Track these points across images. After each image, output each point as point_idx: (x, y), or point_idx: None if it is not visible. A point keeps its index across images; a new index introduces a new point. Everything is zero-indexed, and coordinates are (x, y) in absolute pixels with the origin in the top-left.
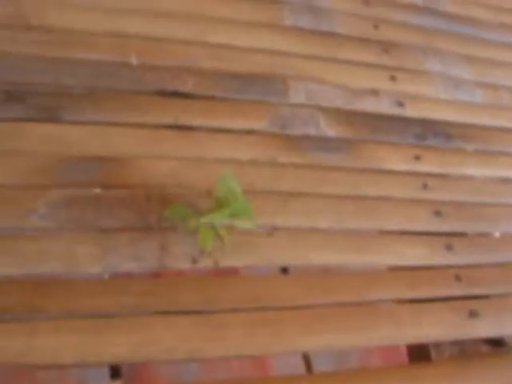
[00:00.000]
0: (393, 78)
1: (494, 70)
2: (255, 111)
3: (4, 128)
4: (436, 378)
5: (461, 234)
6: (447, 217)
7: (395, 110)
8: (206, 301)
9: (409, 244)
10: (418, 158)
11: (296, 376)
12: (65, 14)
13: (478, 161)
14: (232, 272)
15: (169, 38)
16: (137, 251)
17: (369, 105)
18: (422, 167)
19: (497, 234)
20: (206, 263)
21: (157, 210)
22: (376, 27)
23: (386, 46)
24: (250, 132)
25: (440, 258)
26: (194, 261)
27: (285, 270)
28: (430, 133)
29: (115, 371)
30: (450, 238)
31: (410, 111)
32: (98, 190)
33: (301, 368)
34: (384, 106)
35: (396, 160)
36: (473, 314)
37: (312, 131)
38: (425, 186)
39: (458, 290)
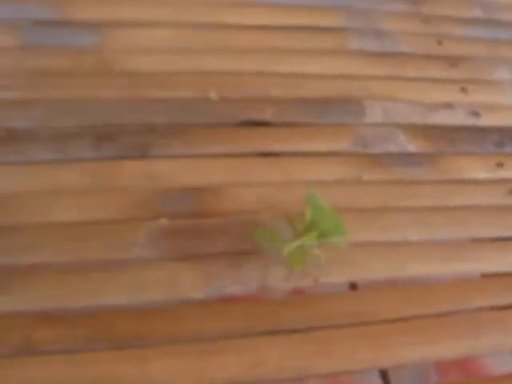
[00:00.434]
0: (464, 90)
1: None
2: (335, 133)
3: (98, 167)
4: None
5: None
6: None
7: (470, 121)
8: (307, 319)
9: (501, 250)
10: (500, 165)
11: None
12: (145, 59)
13: None
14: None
15: (243, 71)
16: (238, 275)
17: (444, 118)
18: (506, 173)
19: None
20: (305, 282)
21: (252, 234)
22: (440, 43)
23: (453, 61)
24: (333, 153)
25: None
26: (315, 279)
27: (354, 286)
28: (508, 139)
29: None
30: None
31: (486, 120)
32: (164, 221)
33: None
34: (459, 118)
35: (478, 169)
36: None
37: (392, 148)
38: (511, 192)
39: None
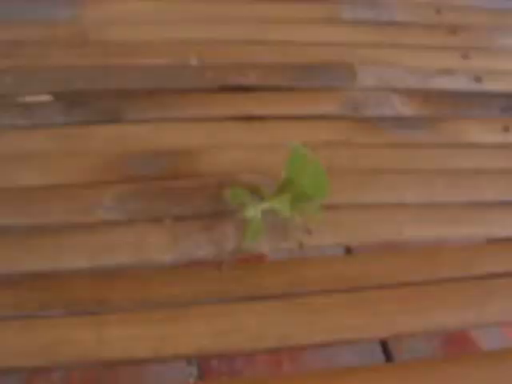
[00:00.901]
0: (465, 57)
1: None
2: (323, 97)
3: (67, 132)
4: None
5: None
6: None
7: (474, 86)
8: (291, 284)
9: (507, 214)
10: (506, 129)
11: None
12: (121, 29)
13: None
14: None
15: (228, 39)
16: (210, 237)
17: (444, 83)
18: None
19: None
20: (290, 245)
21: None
22: (438, 12)
23: (452, 28)
24: (320, 117)
25: None
26: (300, 244)
27: (347, 250)
28: None
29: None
30: None
31: (490, 86)
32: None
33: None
34: (461, 83)
35: (484, 133)
36: None
37: (388, 111)
38: None
39: None
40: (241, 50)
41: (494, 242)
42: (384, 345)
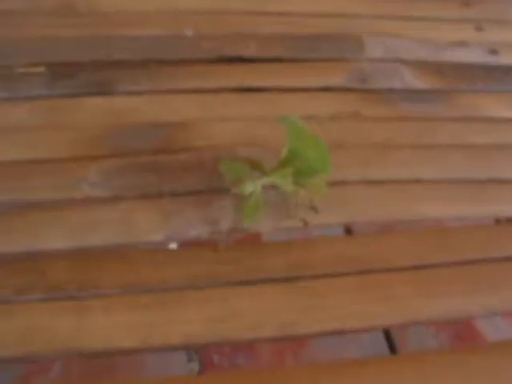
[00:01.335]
0: (479, 29)
1: None
2: (329, 68)
3: (53, 104)
4: None
5: None
6: None
7: (489, 59)
8: (293, 266)
9: None
10: None
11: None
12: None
13: None
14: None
15: (225, 10)
16: (205, 215)
17: (458, 55)
18: None
19: None
20: (293, 223)
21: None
22: None
23: (466, 0)
24: (325, 89)
25: None
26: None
27: (352, 230)
28: None
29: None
30: None
31: (506, 59)
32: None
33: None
34: (476, 56)
35: (501, 108)
36: None
37: (397, 84)
38: None
39: None
40: (240, 21)
41: (505, 221)
42: (388, 334)
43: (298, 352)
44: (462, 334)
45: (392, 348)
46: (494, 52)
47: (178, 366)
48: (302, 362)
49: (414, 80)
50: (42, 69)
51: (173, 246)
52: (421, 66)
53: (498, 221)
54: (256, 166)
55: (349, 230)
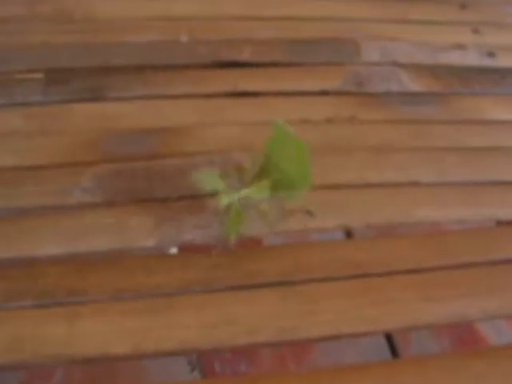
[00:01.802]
0: (476, 31)
1: None
2: (325, 72)
3: (45, 110)
4: None
5: None
6: None
7: (487, 61)
8: (290, 270)
9: None
10: None
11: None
12: (107, 5)
13: None
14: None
15: (220, 15)
16: (198, 220)
17: (454, 58)
18: None
19: None
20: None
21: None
22: None
23: (462, 3)
24: (322, 93)
25: None
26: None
27: (351, 233)
28: None
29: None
30: None
31: (504, 61)
32: None
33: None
34: (473, 58)
35: (498, 110)
36: None
37: (394, 87)
38: None
39: None
40: (234, 26)
41: (508, 224)
42: (389, 338)
43: (300, 357)
44: (464, 338)
45: (394, 352)
46: (491, 55)
47: (179, 372)
48: (304, 367)
49: (410, 83)
50: (40, 75)
51: (173, 250)
52: (417, 68)
53: (498, 223)
54: (235, 173)
55: (347, 234)
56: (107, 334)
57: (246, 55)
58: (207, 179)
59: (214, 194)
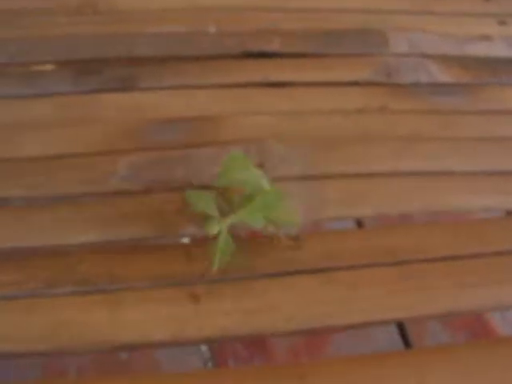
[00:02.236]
0: (503, 23)
1: None
2: (354, 63)
3: (78, 100)
4: None
5: None
6: None
7: None
8: (329, 259)
9: None
10: None
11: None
12: None
13: None
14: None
15: (246, 6)
16: None
17: (482, 49)
18: None
19: None
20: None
21: (257, 161)
22: None
23: None
24: (352, 83)
25: None
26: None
27: (383, 219)
28: None
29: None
30: None
31: None
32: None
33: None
34: (500, 50)
35: None
36: None
37: (423, 78)
38: None
39: None
40: (261, 17)
41: None
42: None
43: (330, 343)
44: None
45: (407, 343)
46: None
47: (192, 363)
48: (335, 353)
49: (439, 74)
50: (51, 67)
51: (185, 239)
52: (445, 60)
53: None
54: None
55: (380, 222)
56: (148, 321)
57: (275, 46)
58: (200, 200)
59: (206, 218)
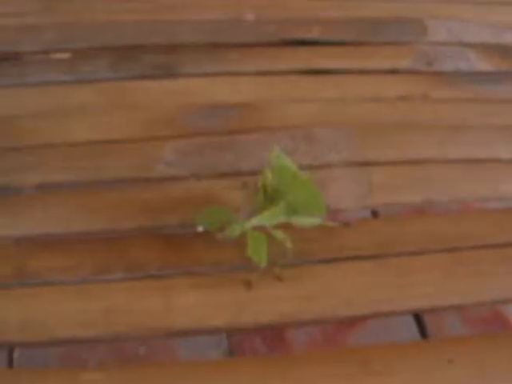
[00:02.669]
0: None
1: None
2: (393, 52)
3: (119, 86)
4: None
5: None
6: None
7: None
8: (383, 244)
9: None
10: None
11: None
12: None
13: None
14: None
15: None
16: None
17: None
18: None
19: None
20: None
21: (304, 148)
22: None
23: None
24: (392, 71)
25: None
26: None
27: (427, 205)
28: None
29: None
30: None
31: None
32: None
33: None
34: None
35: None
36: None
37: (463, 66)
38: None
39: None
40: (300, 5)
41: None
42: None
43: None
44: None
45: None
46: None
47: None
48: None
49: (478, 62)
50: (66, 55)
51: (200, 228)
52: (485, 48)
53: None
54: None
55: (429, 208)
56: (203, 306)
57: (314, 34)
58: (213, 215)
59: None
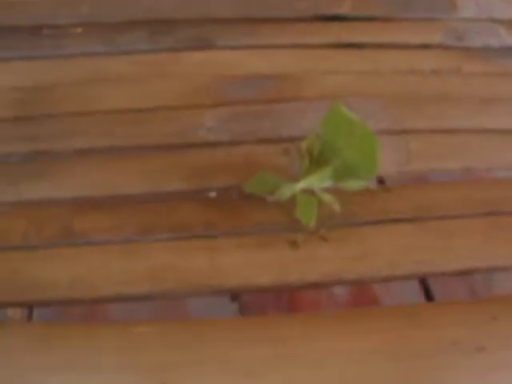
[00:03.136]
0: None
1: None
2: (425, 27)
3: (154, 58)
4: None
5: None
6: None
7: None
8: (423, 208)
9: None
10: None
11: None
12: None
13: None
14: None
15: None
16: None
17: None
18: None
19: None
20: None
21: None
22: None
23: None
24: (424, 46)
25: None
26: None
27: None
28: None
29: None
30: None
31: None
32: None
33: None
34: None
35: None
36: None
37: (494, 42)
38: None
39: None
40: None
41: None
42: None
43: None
44: None
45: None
46: None
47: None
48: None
49: (508, 38)
50: (79, 30)
51: (213, 193)
52: None
53: None
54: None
55: (467, 175)
56: (249, 265)
57: (345, 9)
58: (263, 182)
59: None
